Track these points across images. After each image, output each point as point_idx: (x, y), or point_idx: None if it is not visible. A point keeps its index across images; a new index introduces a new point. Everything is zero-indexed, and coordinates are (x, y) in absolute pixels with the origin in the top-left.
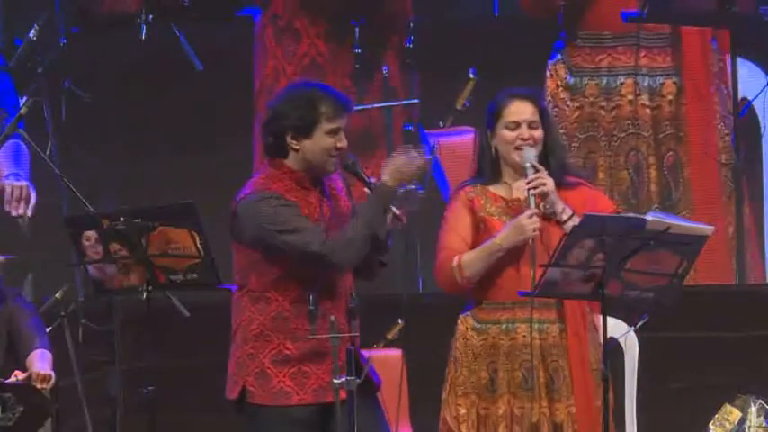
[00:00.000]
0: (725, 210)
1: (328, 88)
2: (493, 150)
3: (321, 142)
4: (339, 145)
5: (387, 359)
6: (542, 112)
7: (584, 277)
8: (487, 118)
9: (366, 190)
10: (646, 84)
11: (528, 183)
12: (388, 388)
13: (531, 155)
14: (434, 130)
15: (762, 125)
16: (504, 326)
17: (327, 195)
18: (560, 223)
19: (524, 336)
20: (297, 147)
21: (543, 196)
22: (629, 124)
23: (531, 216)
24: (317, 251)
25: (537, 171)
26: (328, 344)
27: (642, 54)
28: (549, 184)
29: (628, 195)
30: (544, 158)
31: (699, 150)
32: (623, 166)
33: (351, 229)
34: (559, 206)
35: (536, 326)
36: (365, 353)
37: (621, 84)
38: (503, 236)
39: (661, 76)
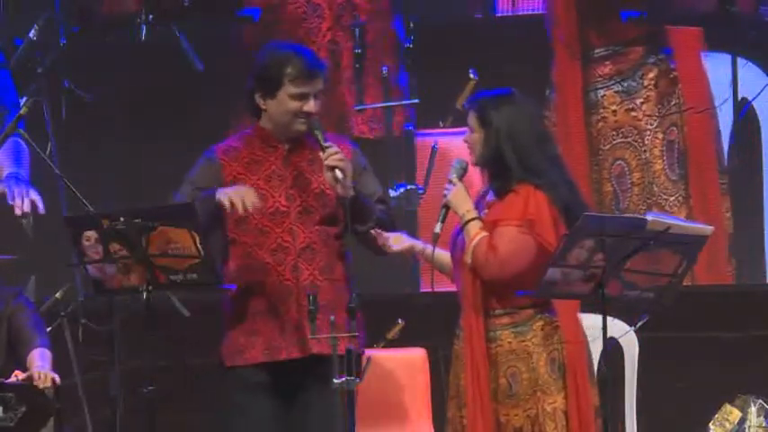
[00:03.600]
0: None
1: (303, 51)
2: None
3: (285, 104)
4: (305, 109)
5: (410, 358)
6: (480, 116)
7: (584, 277)
8: None
9: (320, 154)
10: (552, 98)
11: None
12: (411, 387)
13: (454, 167)
14: (434, 130)
15: (761, 125)
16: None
17: (308, 155)
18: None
19: (458, 343)
20: (264, 106)
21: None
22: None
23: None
24: None
25: (450, 182)
26: (272, 300)
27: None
28: (450, 193)
29: None
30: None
31: None
32: None
33: None
34: (459, 212)
35: (461, 333)
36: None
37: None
38: None
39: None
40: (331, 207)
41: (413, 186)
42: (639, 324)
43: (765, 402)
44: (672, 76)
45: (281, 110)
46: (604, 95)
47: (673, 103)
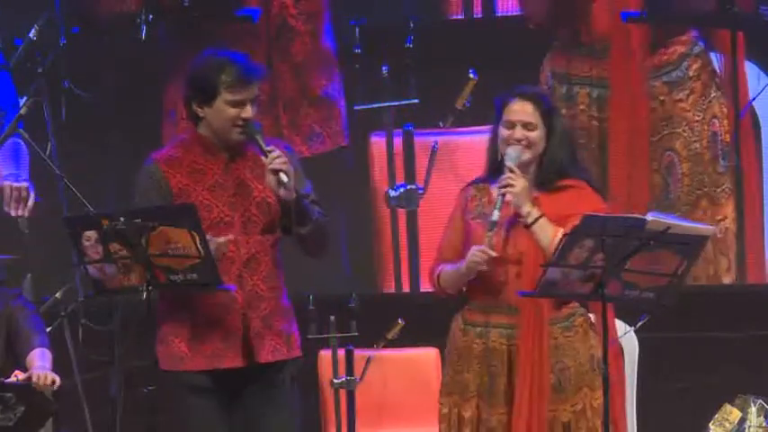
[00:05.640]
0: (688, 216)
1: (237, 58)
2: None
3: (223, 112)
4: (243, 116)
5: (422, 357)
6: (545, 113)
7: (584, 277)
8: (495, 114)
9: (262, 158)
10: (596, 95)
11: (499, 183)
12: (424, 386)
13: (513, 155)
14: (434, 130)
15: (762, 125)
16: (479, 329)
17: (250, 163)
18: (526, 227)
19: (494, 341)
20: (201, 114)
21: (511, 197)
22: (581, 134)
23: (474, 252)
24: None
25: (512, 172)
26: (216, 310)
27: (596, 64)
28: (518, 185)
29: None
30: (541, 160)
31: (621, 160)
32: None
33: None
34: (525, 209)
35: (505, 332)
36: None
37: (577, 93)
38: (465, 263)
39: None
40: (272, 215)
41: (413, 186)
42: (639, 324)
43: (765, 402)
44: (710, 68)
45: (219, 117)
46: (654, 86)
47: (712, 95)
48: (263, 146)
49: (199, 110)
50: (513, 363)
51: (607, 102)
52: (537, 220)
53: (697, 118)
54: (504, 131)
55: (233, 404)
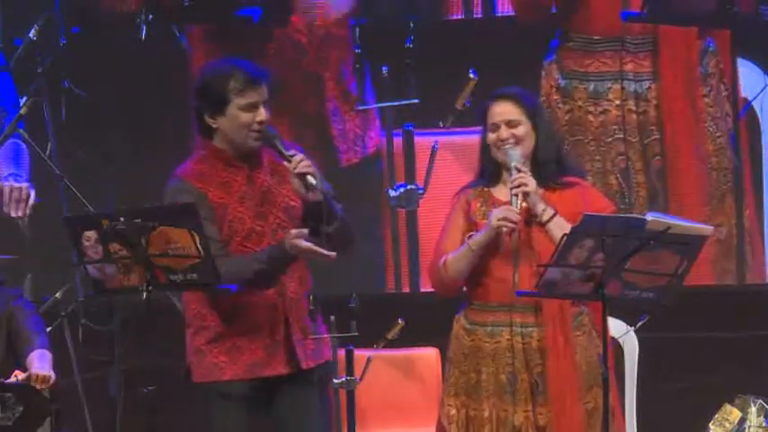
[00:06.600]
0: (717, 211)
1: (241, 63)
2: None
3: (237, 119)
4: (258, 119)
5: (422, 357)
6: (528, 109)
7: (583, 277)
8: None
9: (285, 163)
10: (632, 89)
11: (511, 184)
12: (423, 386)
13: (515, 155)
14: (434, 130)
15: (762, 125)
16: (489, 329)
17: (268, 170)
18: (541, 224)
19: (508, 339)
20: (215, 125)
21: (525, 196)
22: (616, 129)
23: (501, 210)
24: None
25: (519, 171)
26: (258, 318)
27: (628, 59)
28: (531, 184)
29: (615, 200)
30: (534, 156)
31: (676, 154)
32: (611, 171)
33: (241, 262)
34: (540, 207)
35: (519, 330)
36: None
37: (609, 89)
38: (478, 234)
39: (647, 80)
40: (297, 219)
41: (413, 186)
42: (639, 324)
43: (765, 402)
44: (721, 66)
45: (235, 125)
46: None
47: (723, 93)
48: (284, 151)
49: (212, 121)
50: (529, 361)
51: (645, 95)
52: (552, 217)
53: (718, 114)
54: (490, 135)
55: (269, 409)
